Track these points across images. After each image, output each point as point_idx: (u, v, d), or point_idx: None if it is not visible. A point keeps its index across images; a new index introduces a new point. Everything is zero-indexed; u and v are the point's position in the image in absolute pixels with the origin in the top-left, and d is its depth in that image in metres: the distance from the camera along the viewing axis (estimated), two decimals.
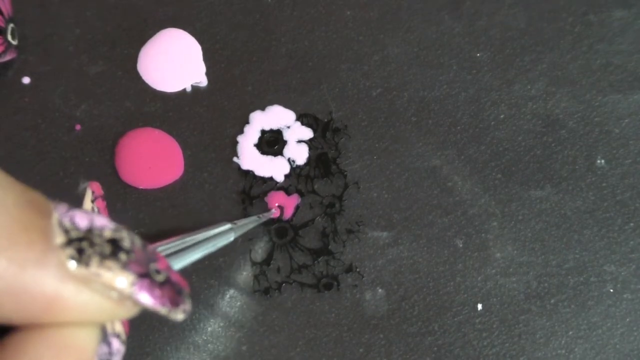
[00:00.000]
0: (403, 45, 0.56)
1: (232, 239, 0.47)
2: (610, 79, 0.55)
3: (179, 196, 0.53)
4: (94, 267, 0.28)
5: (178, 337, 0.52)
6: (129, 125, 0.54)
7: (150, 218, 0.53)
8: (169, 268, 0.32)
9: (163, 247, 0.41)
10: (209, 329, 0.52)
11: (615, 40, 0.55)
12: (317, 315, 0.52)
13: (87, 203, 0.39)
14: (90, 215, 0.29)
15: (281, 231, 0.53)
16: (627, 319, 0.52)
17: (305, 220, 0.53)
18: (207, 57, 0.55)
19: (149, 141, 0.53)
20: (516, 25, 0.56)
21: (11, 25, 0.54)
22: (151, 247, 0.32)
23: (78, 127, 0.54)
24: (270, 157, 0.53)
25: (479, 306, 0.52)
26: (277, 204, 0.53)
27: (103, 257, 0.28)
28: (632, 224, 0.53)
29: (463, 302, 0.52)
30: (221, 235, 0.46)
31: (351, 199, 0.53)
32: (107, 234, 0.29)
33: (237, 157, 0.54)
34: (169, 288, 0.31)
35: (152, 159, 0.53)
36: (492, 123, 0.55)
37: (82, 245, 0.28)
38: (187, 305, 0.32)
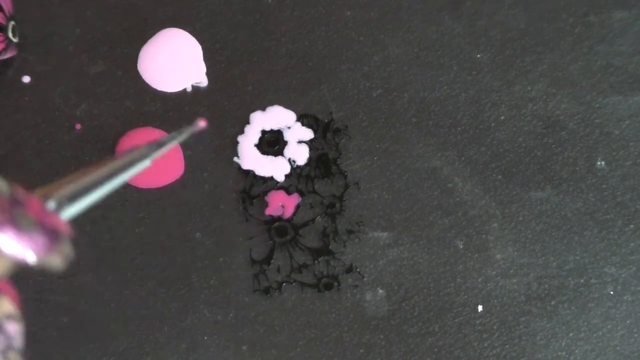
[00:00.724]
0: (403, 45, 0.56)
1: (148, 163, 0.43)
2: (611, 81, 0.55)
3: (179, 196, 0.53)
4: None
5: (178, 337, 0.52)
6: (129, 125, 0.54)
7: (150, 218, 0.53)
8: (42, 213, 0.30)
9: (74, 185, 0.39)
10: (209, 328, 0.52)
11: (615, 42, 0.56)
12: (317, 315, 0.52)
13: None
14: None
15: (281, 230, 0.53)
16: (628, 321, 0.52)
17: (306, 219, 0.53)
18: (208, 57, 0.55)
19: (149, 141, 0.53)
20: (516, 26, 0.56)
21: (12, 22, 0.54)
22: (20, 192, 0.30)
23: (78, 126, 0.54)
24: (270, 157, 0.53)
25: (480, 307, 0.52)
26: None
27: None
28: (632, 226, 0.53)
29: (463, 303, 0.52)
30: (138, 160, 0.42)
31: (352, 199, 0.53)
32: None
33: (238, 157, 0.54)
34: (42, 234, 0.30)
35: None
36: (493, 124, 0.54)
37: None
38: (64, 250, 0.31)
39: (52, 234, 0.30)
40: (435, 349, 0.51)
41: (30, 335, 0.51)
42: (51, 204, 0.33)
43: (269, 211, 0.53)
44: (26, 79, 0.55)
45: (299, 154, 0.53)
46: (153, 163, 0.53)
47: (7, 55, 0.53)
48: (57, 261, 0.31)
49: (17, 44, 0.54)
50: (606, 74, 0.55)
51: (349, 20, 0.56)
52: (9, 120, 0.54)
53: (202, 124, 0.42)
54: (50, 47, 0.56)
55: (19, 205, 0.30)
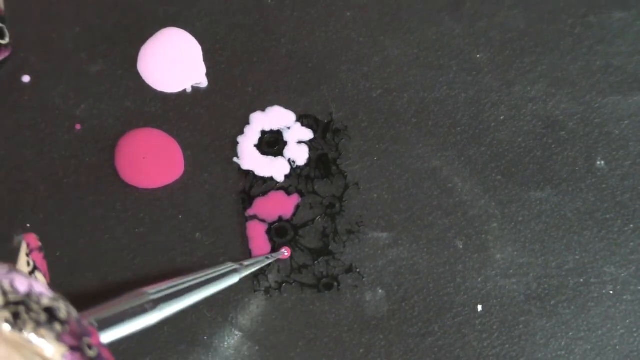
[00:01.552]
0: (403, 46, 0.56)
1: (236, 280, 0.47)
2: (610, 81, 0.55)
3: (179, 196, 0.53)
4: (28, 333, 0.27)
5: (178, 337, 0.52)
6: (129, 125, 0.54)
7: (150, 218, 0.53)
8: (101, 344, 0.32)
9: (161, 288, 0.41)
10: (209, 329, 0.52)
11: (615, 42, 0.56)
12: (317, 315, 0.52)
13: (23, 257, 0.38)
14: (30, 281, 0.29)
15: (281, 231, 0.53)
16: (627, 321, 0.52)
17: (306, 220, 0.53)
18: (208, 58, 0.55)
19: (149, 141, 0.53)
20: (516, 26, 0.56)
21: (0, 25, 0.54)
22: (86, 320, 0.32)
23: (78, 126, 0.54)
24: (270, 158, 0.53)
25: (479, 307, 0.52)
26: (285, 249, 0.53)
27: (38, 324, 0.28)
28: (632, 226, 0.53)
29: (463, 303, 0.52)
30: (225, 277, 0.46)
31: (351, 200, 0.53)
32: (45, 301, 0.29)
33: (238, 157, 0.54)
34: None
35: (152, 159, 0.53)
36: (492, 124, 0.55)
37: (18, 309, 0.28)
38: None
39: None
40: (435, 349, 0.51)
41: None
42: (147, 299, 0.36)
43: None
44: (26, 79, 0.55)
45: (299, 154, 0.54)
46: (154, 166, 0.53)
47: (0, 57, 0.54)
48: None
49: (8, 45, 0.54)
50: (606, 74, 0.55)
51: (349, 21, 0.56)
52: (8, 120, 0.54)
53: (286, 253, 0.52)
54: (50, 46, 0.56)
55: (86, 333, 0.31)
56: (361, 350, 0.51)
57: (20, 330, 0.28)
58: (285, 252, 0.52)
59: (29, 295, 0.29)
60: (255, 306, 0.52)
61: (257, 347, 0.51)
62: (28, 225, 0.53)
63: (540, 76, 0.55)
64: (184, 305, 0.43)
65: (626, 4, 0.56)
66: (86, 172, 0.54)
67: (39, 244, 0.41)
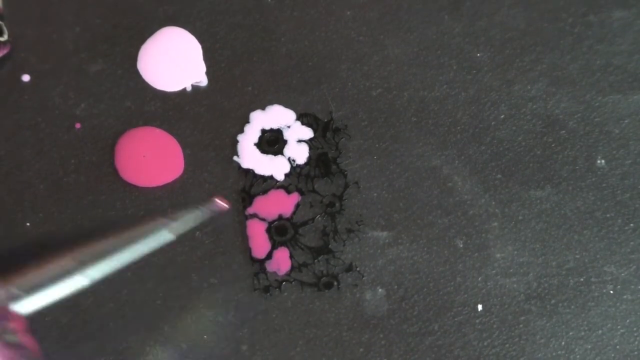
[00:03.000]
0: (403, 45, 0.56)
1: (170, 237, 0.46)
2: (610, 80, 0.55)
3: (179, 195, 0.53)
4: None
5: (178, 336, 0.52)
6: (129, 124, 0.54)
7: (150, 217, 0.53)
8: (23, 331, 0.31)
9: (91, 251, 0.41)
10: (209, 327, 0.52)
11: (615, 41, 0.56)
12: (317, 314, 0.52)
13: None
14: None
15: (281, 229, 0.53)
16: (627, 320, 0.52)
17: (306, 218, 0.53)
18: (208, 57, 0.55)
19: (149, 140, 0.53)
20: (516, 25, 0.56)
21: None
22: (7, 305, 0.31)
23: (78, 125, 0.54)
24: (270, 157, 0.53)
25: (479, 306, 0.52)
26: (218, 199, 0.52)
27: None
28: (632, 225, 0.53)
29: (463, 303, 0.52)
30: (156, 234, 0.45)
31: (351, 199, 0.53)
32: None
33: (238, 156, 0.54)
34: (20, 352, 0.31)
35: (152, 158, 0.53)
36: (492, 123, 0.55)
37: None
38: None
39: (28, 355, 0.32)
40: (435, 348, 0.51)
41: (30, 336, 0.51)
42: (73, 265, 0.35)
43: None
44: (26, 78, 0.55)
45: (299, 153, 0.54)
46: (154, 165, 0.53)
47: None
48: None
49: (6, 42, 0.54)
50: (606, 73, 0.55)
51: (349, 20, 0.56)
52: (8, 119, 0.54)
53: (221, 204, 0.47)
54: (50, 45, 0.56)
55: (6, 317, 0.31)
56: (361, 349, 0.51)
57: None
58: (218, 201, 0.51)
59: None
60: (255, 305, 0.52)
61: (257, 346, 0.51)
62: (28, 224, 0.53)
63: (540, 75, 0.55)
64: (113, 268, 0.41)
65: (626, 3, 0.56)
66: (86, 171, 0.54)
67: None
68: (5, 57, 0.55)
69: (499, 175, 0.54)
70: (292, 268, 0.52)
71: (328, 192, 0.53)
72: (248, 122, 0.54)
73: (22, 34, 0.56)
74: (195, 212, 0.50)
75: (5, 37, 0.54)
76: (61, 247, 0.42)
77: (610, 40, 0.56)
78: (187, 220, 0.48)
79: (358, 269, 0.52)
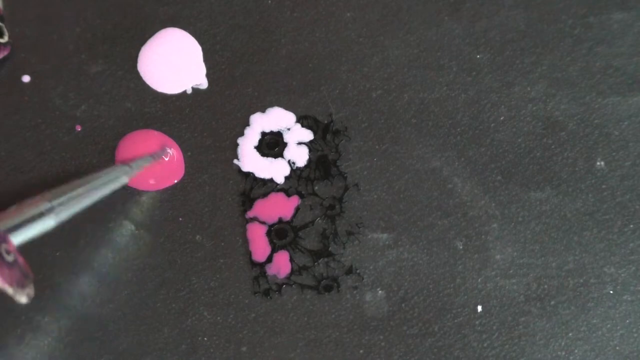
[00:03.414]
0: (403, 46, 0.56)
1: (126, 181, 0.48)
2: (610, 82, 0.55)
3: (180, 198, 0.53)
4: None
5: (178, 338, 0.52)
6: (129, 127, 0.54)
7: (151, 220, 0.53)
8: (17, 251, 0.32)
9: (57, 192, 0.42)
10: (209, 330, 0.52)
11: (615, 43, 0.56)
12: (317, 316, 0.52)
13: None
14: None
15: (281, 232, 0.53)
16: (627, 321, 0.52)
17: (306, 221, 0.53)
18: (208, 58, 0.55)
19: (149, 142, 0.53)
20: (516, 27, 0.56)
21: None
22: (2, 227, 0.32)
23: (78, 127, 0.54)
24: (270, 159, 0.53)
25: (479, 308, 0.52)
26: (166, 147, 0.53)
27: None
28: (631, 226, 0.53)
29: (463, 304, 0.52)
30: (116, 178, 0.47)
31: (351, 201, 0.53)
32: None
33: (238, 159, 0.54)
34: (17, 270, 0.31)
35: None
36: (492, 125, 0.55)
37: None
38: (31, 290, 0.33)
39: (24, 272, 0.33)
40: (435, 350, 0.51)
41: (30, 336, 0.51)
42: (46, 205, 0.36)
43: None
44: (26, 79, 0.55)
45: (299, 155, 0.54)
46: (155, 168, 0.53)
47: None
48: (24, 299, 0.32)
49: (6, 44, 0.54)
50: (605, 74, 0.55)
51: (349, 22, 0.56)
52: (9, 120, 0.54)
53: (169, 150, 0.53)
54: (50, 46, 0.56)
55: (2, 239, 0.31)
56: (361, 351, 0.52)
57: None
58: (169, 150, 0.53)
59: None
60: (255, 308, 0.52)
61: (257, 349, 0.52)
62: None
63: (540, 77, 0.55)
64: (79, 208, 0.43)
65: (626, 4, 0.56)
66: (86, 172, 0.53)
67: None
68: (5, 58, 0.55)
69: (499, 177, 0.54)
70: (292, 271, 0.52)
71: (328, 195, 0.53)
72: (248, 124, 0.54)
73: (22, 34, 0.56)
74: (147, 159, 0.51)
75: (5, 39, 0.54)
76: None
77: (610, 42, 0.56)
78: (141, 166, 0.51)
79: (358, 271, 0.52)
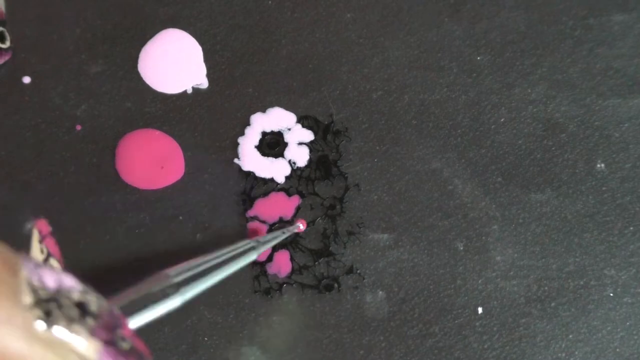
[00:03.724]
0: (403, 48, 0.56)
1: (254, 257, 0.47)
2: (611, 83, 0.55)
3: (180, 197, 0.53)
4: (62, 331, 0.27)
5: (178, 338, 0.51)
6: (129, 126, 0.54)
7: (151, 219, 0.53)
8: (133, 335, 0.31)
9: (181, 269, 0.41)
10: (209, 329, 0.52)
11: (615, 44, 0.56)
12: (317, 316, 0.52)
13: (35, 245, 0.38)
14: (59, 275, 0.28)
15: None
16: (627, 323, 0.52)
17: (306, 221, 0.53)
18: (208, 59, 0.55)
19: (149, 142, 0.53)
20: (516, 28, 0.56)
21: (1, 29, 0.54)
22: (115, 309, 0.31)
23: (78, 127, 0.54)
24: (271, 159, 0.53)
25: (480, 309, 0.52)
26: (299, 221, 0.53)
27: (71, 320, 0.27)
28: (632, 228, 0.53)
29: (463, 305, 0.52)
30: (243, 255, 0.46)
31: (352, 201, 0.53)
32: (75, 296, 0.28)
33: (238, 158, 0.54)
34: (134, 356, 0.30)
35: (153, 160, 0.53)
36: (493, 126, 0.55)
37: (49, 306, 0.27)
38: None
39: (141, 357, 0.31)
40: (435, 351, 0.51)
41: None
42: (170, 282, 0.35)
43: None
44: (26, 80, 0.55)
45: (300, 155, 0.54)
46: (155, 167, 0.53)
47: (0, 61, 0.54)
48: None
49: (7, 49, 0.54)
50: (606, 76, 0.55)
51: (350, 23, 0.56)
52: (9, 120, 0.54)
53: (302, 227, 0.52)
54: (51, 46, 0.56)
55: (119, 324, 0.31)
56: (361, 352, 0.51)
57: (54, 328, 0.27)
58: (301, 226, 0.52)
59: (59, 290, 0.28)
60: (255, 307, 0.52)
61: (257, 348, 0.51)
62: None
63: (540, 78, 0.55)
64: (206, 286, 0.42)
65: (626, 6, 0.56)
66: (86, 172, 0.54)
67: (50, 228, 0.41)
68: (5, 63, 0.55)
69: (499, 179, 0.54)
70: (293, 270, 0.52)
71: (328, 195, 0.53)
72: (249, 124, 0.54)
73: (22, 35, 0.56)
74: (278, 235, 0.50)
75: (7, 44, 0.54)
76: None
77: (611, 43, 0.56)
78: (271, 242, 0.49)
79: (358, 271, 0.52)
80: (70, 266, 0.52)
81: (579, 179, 0.54)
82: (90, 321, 0.29)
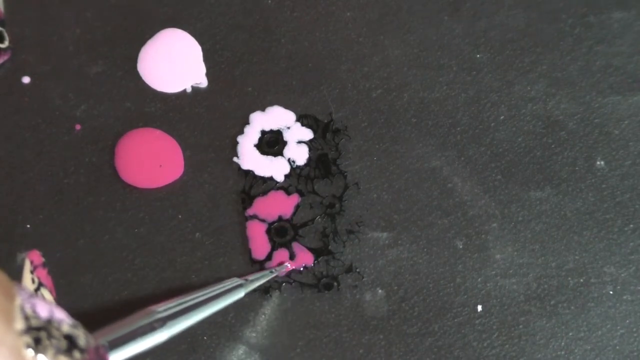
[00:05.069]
0: (403, 46, 0.56)
1: (242, 295, 0.48)
2: (610, 81, 0.55)
3: (179, 196, 0.53)
4: (48, 359, 0.27)
5: (177, 338, 0.51)
6: (129, 126, 0.54)
7: (150, 218, 0.53)
8: None
9: (169, 305, 0.42)
10: (209, 329, 0.52)
11: (615, 42, 0.56)
12: (317, 315, 0.52)
13: (27, 274, 0.38)
14: (51, 307, 0.29)
15: (281, 230, 0.53)
16: (627, 321, 0.52)
17: (305, 220, 0.53)
18: (207, 58, 0.56)
19: (149, 141, 0.53)
20: (516, 26, 0.56)
21: None
22: (103, 348, 0.32)
23: (78, 127, 0.54)
24: (270, 158, 0.53)
25: (479, 307, 0.52)
26: (287, 262, 0.53)
27: (58, 351, 0.28)
28: (631, 226, 0.53)
29: (463, 303, 0.52)
30: (230, 292, 0.47)
31: (351, 200, 0.53)
32: (65, 328, 0.29)
33: (237, 157, 0.54)
34: None
35: (152, 159, 0.53)
36: (492, 124, 0.55)
37: (40, 334, 0.28)
38: None
39: None
40: (435, 349, 0.51)
41: None
42: (156, 317, 0.36)
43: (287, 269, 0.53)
44: (26, 80, 0.55)
45: (299, 154, 0.54)
46: (155, 166, 0.53)
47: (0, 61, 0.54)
48: None
49: (7, 49, 0.54)
50: (605, 74, 0.55)
51: (349, 21, 0.56)
52: (8, 121, 0.54)
53: (289, 266, 0.52)
54: (50, 47, 0.56)
55: (98, 357, 0.31)
56: (361, 351, 0.51)
57: (41, 356, 0.28)
58: (289, 265, 0.52)
59: (50, 321, 0.29)
60: (255, 306, 0.52)
61: (256, 347, 0.51)
62: (28, 225, 0.53)
63: (540, 76, 0.55)
64: (192, 322, 0.43)
65: (626, 4, 0.56)
66: (86, 172, 0.54)
67: (42, 259, 0.41)
68: (4, 63, 0.55)
69: (499, 176, 0.54)
70: (292, 269, 0.52)
71: (328, 193, 0.53)
72: (248, 123, 0.54)
73: (22, 35, 0.56)
74: (266, 274, 0.51)
75: (6, 44, 0.54)
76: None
77: (610, 41, 0.56)
78: (259, 281, 0.50)
79: (358, 270, 0.52)
80: (70, 266, 0.52)
81: (579, 177, 0.54)
82: (77, 354, 0.30)
